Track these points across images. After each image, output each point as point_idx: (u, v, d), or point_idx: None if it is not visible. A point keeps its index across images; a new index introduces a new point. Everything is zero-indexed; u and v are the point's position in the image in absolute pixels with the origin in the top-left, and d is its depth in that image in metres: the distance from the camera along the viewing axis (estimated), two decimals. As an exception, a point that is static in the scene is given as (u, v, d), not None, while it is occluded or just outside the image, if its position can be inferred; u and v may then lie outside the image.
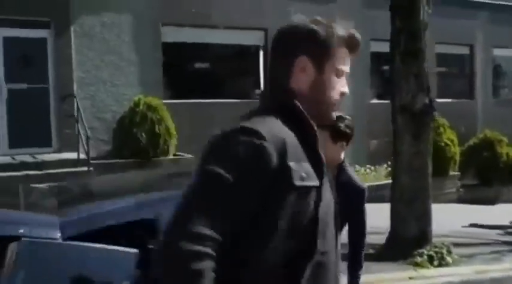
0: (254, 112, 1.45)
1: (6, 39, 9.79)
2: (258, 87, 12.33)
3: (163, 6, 10.87)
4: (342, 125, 2.74)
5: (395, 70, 6.82)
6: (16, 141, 9.76)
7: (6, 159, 9.13)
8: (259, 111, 1.46)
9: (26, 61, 10.06)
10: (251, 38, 12.16)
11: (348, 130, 2.78)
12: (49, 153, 9.77)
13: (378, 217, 5.48)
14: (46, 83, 10.08)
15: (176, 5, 10.98)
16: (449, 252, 6.39)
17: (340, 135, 2.75)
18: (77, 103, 9.69)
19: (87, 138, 8.98)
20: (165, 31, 11.04)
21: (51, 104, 10.11)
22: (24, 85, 9.88)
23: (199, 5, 11.16)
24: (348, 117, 2.84)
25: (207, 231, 1.24)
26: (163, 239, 1.28)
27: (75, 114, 9.65)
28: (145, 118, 9.83)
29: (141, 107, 9.87)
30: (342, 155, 2.82)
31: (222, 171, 1.29)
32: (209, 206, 1.27)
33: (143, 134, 9.73)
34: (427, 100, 6.74)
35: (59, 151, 9.88)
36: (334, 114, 1.52)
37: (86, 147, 8.95)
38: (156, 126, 9.86)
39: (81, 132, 9.28)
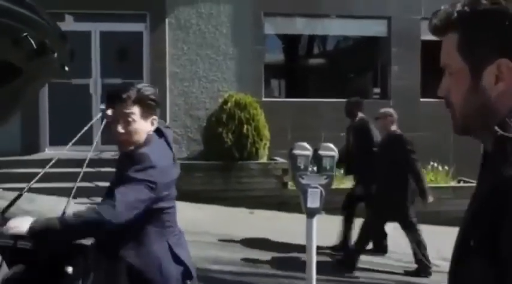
0: None
1: (103, 34, 9.62)
2: (377, 85, 10.60)
3: (267, -6, 9.82)
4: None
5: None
6: (108, 138, 9.50)
7: (91, 155, 8.90)
8: None
9: (122, 55, 9.82)
10: (370, 28, 10.47)
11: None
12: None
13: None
14: (140, 78, 9.71)
15: (281, -8, 9.87)
16: None
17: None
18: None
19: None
20: (267, 22, 9.96)
21: (144, 100, 9.71)
22: (118, 80, 9.58)
23: (308, -8, 9.89)
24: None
25: None
26: None
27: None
28: (232, 117, 8.87)
29: (229, 105, 8.94)
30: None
31: None
32: None
33: (229, 134, 8.78)
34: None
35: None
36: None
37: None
38: (245, 126, 8.84)
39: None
